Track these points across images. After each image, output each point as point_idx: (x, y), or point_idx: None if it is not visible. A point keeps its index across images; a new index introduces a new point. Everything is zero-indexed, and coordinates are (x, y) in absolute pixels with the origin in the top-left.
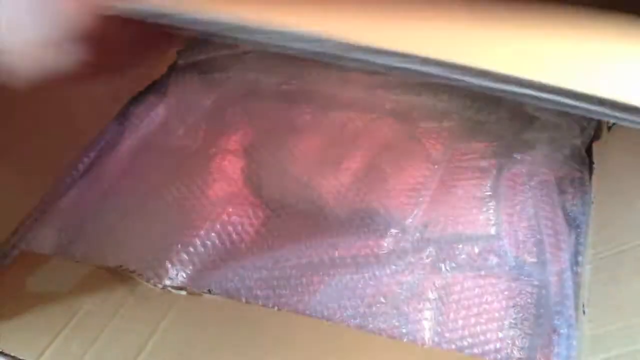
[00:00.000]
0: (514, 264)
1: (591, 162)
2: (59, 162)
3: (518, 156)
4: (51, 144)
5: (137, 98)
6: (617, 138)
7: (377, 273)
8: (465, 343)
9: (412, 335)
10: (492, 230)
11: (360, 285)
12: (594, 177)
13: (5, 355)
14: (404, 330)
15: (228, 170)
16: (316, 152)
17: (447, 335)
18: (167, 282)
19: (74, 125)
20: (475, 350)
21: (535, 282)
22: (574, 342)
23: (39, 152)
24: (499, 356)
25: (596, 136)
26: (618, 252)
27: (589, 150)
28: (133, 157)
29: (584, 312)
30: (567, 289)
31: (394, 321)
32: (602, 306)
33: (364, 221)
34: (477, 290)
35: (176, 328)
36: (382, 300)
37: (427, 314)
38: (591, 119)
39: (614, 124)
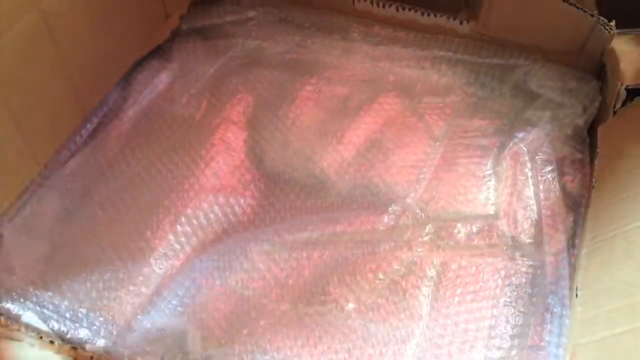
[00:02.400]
0: (510, 243)
1: (595, 146)
2: (62, 128)
3: (520, 135)
4: (54, 109)
5: (140, 63)
6: (622, 122)
7: (376, 249)
8: (461, 319)
9: (410, 311)
10: (491, 210)
11: (359, 261)
12: (597, 160)
13: None
14: (401, 306)
15: (231, 141)
16: (319, 124)
17: (443, 311)
18: (171, 253)
19: (76, 91)
20: (471, 326)
21: (531, 262)
22: (567, 321)
23: (42, 118)
24: (492, 333)
25: (602, 119)
26: (612, 237)
27: (590, 131)
28: (136, 125)
29: (576, 296)
30: (562, 270)
31: (392, 297)
32: (593, 290)
33: (365, 197)
34: (473, 268)
35: None
36: (381, 276)
37: (425, 290)
38: (594, 99)
39: (620, 107)
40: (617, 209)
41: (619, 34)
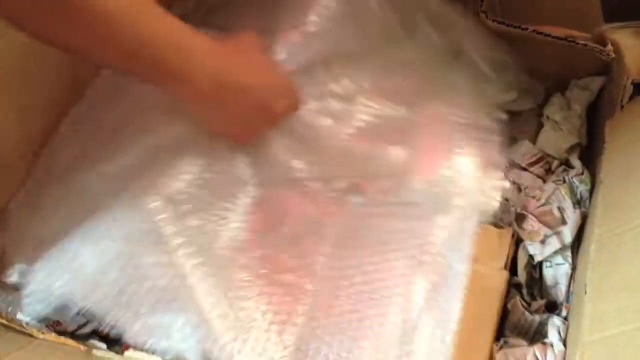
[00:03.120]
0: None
1: (602, 141)
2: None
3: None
4: (54, 101)
5: None
6: (630, 116)
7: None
8: (363, 278)
9: (309, 268)
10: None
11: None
12: (604, 156)
13: None
14: (299, 262)
15: None
16: None
17: (343, 268)
18: None
19: (75, 79)
20: (374, 288)
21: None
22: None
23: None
24: (399, 298)
25: (609, 114)
26: (620, 233)
27: (595, 125)
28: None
29: (585, 292)
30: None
31: (292, 251)
32: (602, 286)
33: None
34: (386, 228)
35: None
36: (286, 229)
37: (326, 247)
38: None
39: (628, 101)
40: (624, 204)
41: (623, 27)
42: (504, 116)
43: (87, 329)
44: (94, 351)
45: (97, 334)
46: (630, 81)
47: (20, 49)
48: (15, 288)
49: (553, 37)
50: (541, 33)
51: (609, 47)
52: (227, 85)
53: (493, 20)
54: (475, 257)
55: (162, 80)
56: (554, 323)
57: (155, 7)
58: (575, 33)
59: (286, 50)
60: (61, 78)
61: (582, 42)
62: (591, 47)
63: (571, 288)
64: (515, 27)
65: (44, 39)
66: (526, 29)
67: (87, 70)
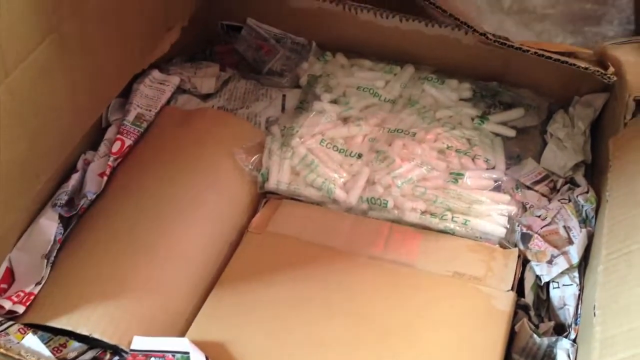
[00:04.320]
0: None
1: (606, 159)
2: (66, 146)
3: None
4: (61, 128)
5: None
6: (633, 133)
7: None
8: None
9: None
10: None
11: None
12: (609, 174)
13: None
14: None
15: None
16: None
17: None
18: None
19: (79, 108)
20: None
21: None
22: None
23: (51, 138)
24: None
25: (613, 131)
26: (628, 252)
27: (599, 142)
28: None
29: (594, 315)
30: None
31: None
32: (611, 309)
33: None
34: None
35: None
36: None
37: None
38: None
39: (630, 118)
40: (631, 224)
41: (625, 43)
42: (512, 133)
43: (87, 357)
44: None
45: None
46: (632, 98)
47: (31, 81)
48: None
49: (555, 60)
50: (542, 56)
51: (610, 69)
52: None
53: (494, 41)
54: (481, 278)
55: None
56: (563, 346)
57: None
58: (577, 49)
59: None
60: (66, 106)
61: (583, 65)
62: (592, 70)
63: (579, 310)
64: (517, 48)
65: None
66: (527, 50)
67: (88, 99)
